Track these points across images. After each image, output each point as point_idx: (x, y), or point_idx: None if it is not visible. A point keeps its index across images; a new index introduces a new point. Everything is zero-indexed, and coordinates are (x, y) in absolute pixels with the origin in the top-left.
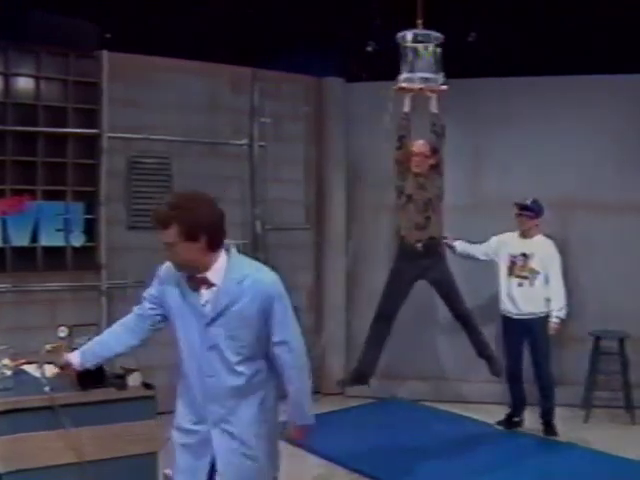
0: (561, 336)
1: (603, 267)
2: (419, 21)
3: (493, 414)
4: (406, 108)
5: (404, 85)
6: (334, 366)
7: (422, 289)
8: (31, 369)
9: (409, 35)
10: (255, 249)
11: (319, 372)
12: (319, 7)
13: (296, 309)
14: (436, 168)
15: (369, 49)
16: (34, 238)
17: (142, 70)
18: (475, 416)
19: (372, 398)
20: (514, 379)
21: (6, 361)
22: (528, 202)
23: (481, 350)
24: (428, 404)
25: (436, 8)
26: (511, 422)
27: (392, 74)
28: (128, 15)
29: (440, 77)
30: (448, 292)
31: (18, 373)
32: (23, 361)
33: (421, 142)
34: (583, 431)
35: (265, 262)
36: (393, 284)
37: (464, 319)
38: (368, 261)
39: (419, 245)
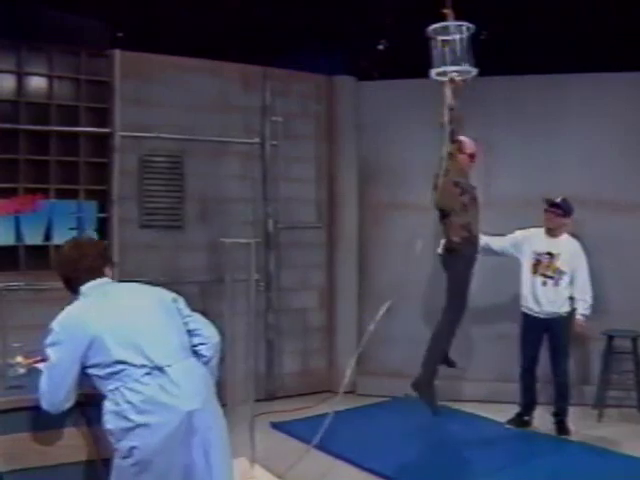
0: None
1: (616, 266)
2: (448, 11)
3: (505, 413)
4: (451, 100)
5: (454, 77)
6: (346, 365)
7: (435, 289)
8: (43, 367)
9: (440, 28)
10: (267, 248)
11: (331, 371)
12: (330, 6)
13: None
14: None
15: (380, 47)
16: (47, 237)
17: (154, 69)
18: (487, 415)
19: (384, 396)
20: (528, 378)
21: (19, 359)
22: (558, 200)
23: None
24: (440, 403)
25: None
26: (521, 421)
27: (403, 72)
28: (140, 14)
29: (473, 70)
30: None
31: (31, 371)
32: (36, 359)
33: (471, 141)
34: (596, 430)
35: (277, 261)
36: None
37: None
38: (380, 260)
39: (479, 243)
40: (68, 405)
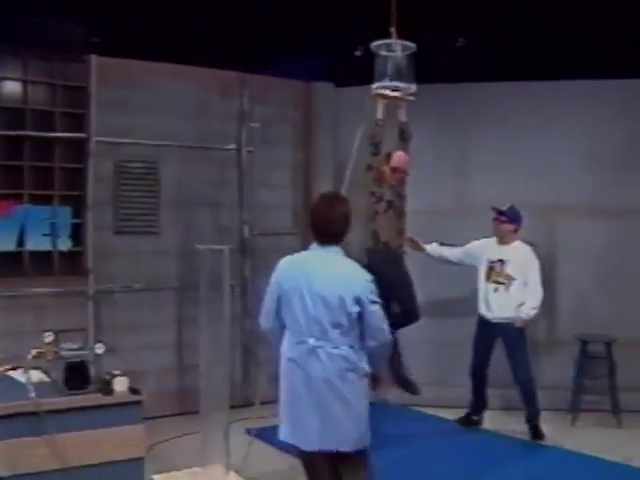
0: (545, 340)
1: (588, 271)
2: (392, 29)
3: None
4: (380, 115)
5: (381, 92)
6: None
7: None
8: (17, 374)
9: (382, 44)
10: (243, 254)
11: None
12: (308, 12)
13: None
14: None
15: (358, 54)
16: (20, 243)
17: (130, 74)
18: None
19: None
20: (476, 378)
21: None
22: (504, 208)
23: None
24: (417, 408)
25: (424, 13)
26: (469, 420)
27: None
28: (116, 19)
29: (412, 86)
30: (410, 290)
31: (3, 378)
32: (9, 367)
33: (401, 154)
34: (570, 435)
35: (253, 267)
36: (404, 284)
37: (414, 314)
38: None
39: (400, 251)
40: (267, 327)
